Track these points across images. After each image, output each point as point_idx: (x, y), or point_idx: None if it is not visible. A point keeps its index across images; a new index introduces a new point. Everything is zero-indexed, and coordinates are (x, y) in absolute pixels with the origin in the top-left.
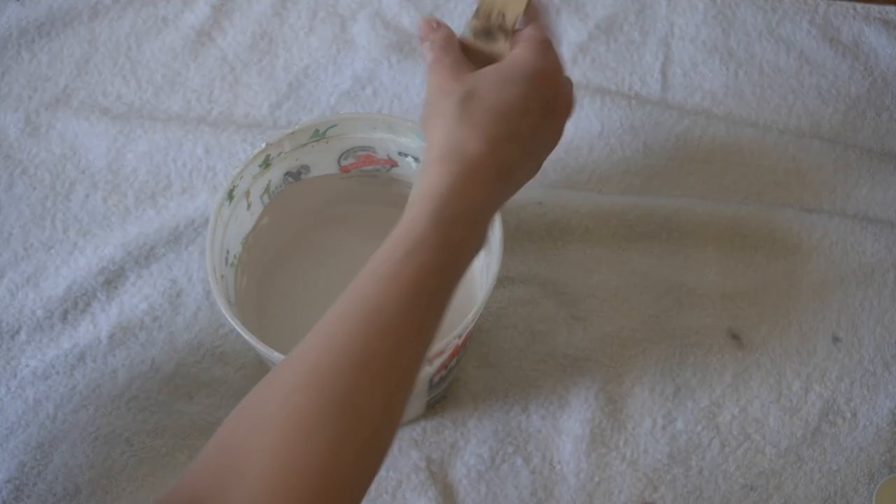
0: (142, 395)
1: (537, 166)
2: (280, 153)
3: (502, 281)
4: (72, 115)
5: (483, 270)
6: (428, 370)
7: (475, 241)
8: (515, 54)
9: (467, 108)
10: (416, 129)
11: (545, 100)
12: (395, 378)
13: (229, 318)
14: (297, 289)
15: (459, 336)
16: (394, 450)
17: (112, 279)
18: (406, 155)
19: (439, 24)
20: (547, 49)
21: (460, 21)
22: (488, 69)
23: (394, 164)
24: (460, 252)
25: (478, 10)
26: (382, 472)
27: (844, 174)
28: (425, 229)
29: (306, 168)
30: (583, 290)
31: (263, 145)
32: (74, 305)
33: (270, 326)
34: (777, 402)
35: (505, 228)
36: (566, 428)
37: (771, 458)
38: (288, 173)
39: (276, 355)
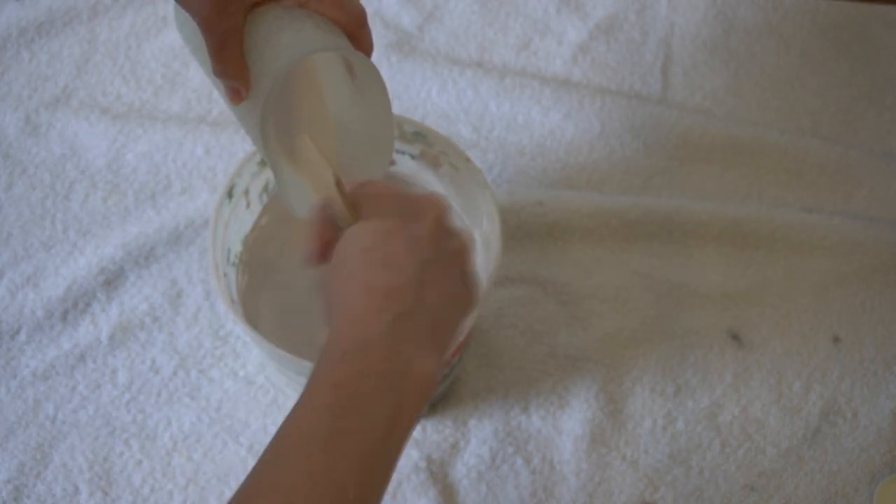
0: (142, 395)
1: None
2: None
3: (502, 281)
4: (71, 114)
5: (483, 269)
6: None
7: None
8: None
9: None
10: (415, 128)
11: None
12: None
13: (232, 316)
14: (298, 288)
15: (461, 333)
16: None
17: (112, 279)
18: (404, 153)
19: None
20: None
21: (460, 21)
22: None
23: (392, 163)
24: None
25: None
26: None
27: (845, 174)
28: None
29: None
30: (583, 290)
31: None
32: (74, 305)
33: (272, 325)
34: (778, 403)
35: (505, 228)
36: (566, 428)
37: (772, 459)
38: None
39: (278, 353)
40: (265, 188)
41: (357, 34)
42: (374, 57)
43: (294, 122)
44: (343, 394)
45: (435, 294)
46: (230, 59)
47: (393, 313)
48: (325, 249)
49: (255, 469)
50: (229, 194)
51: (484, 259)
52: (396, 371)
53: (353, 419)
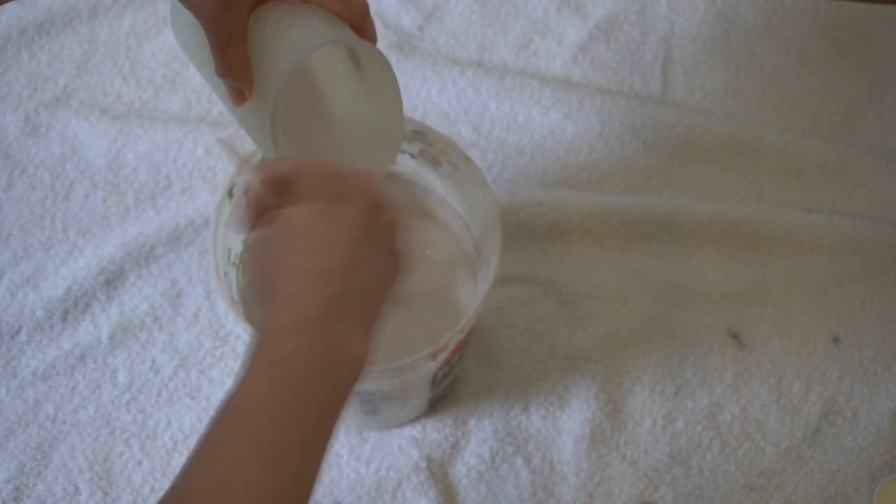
0: (142, 395)
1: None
2: None
3: (502, 281)
4: (71, 114)
5: (481, 269)
6: (432, 366)
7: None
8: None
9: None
10: (415, 127)
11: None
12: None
13: (232, 316)
14: None
15: (462, 331)
16: (394, 449)
17: (112, 279)
18: (403, 151)
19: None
20: None
21: (460, 21)
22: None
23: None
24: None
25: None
26: (383, 472)
27: (845, 174)
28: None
29: None
30: (583, 290)
31: None
32: (74, 305)
33: None
34: (777, 402)
35: (505, 228)
36: (566, 428)
37: (771, 459)
38: None
39: None
40: None
41: (361, 25)
42: None
43: (296, 121)
44: (280, 371)
45: (365, 273)
46: (234, 58)
47: (324, 296)
48: (254, 219)
49: (199, 444)
50: (229, 193)
51: (484, 259)
52: (328, 352)
53: (289, 395)
